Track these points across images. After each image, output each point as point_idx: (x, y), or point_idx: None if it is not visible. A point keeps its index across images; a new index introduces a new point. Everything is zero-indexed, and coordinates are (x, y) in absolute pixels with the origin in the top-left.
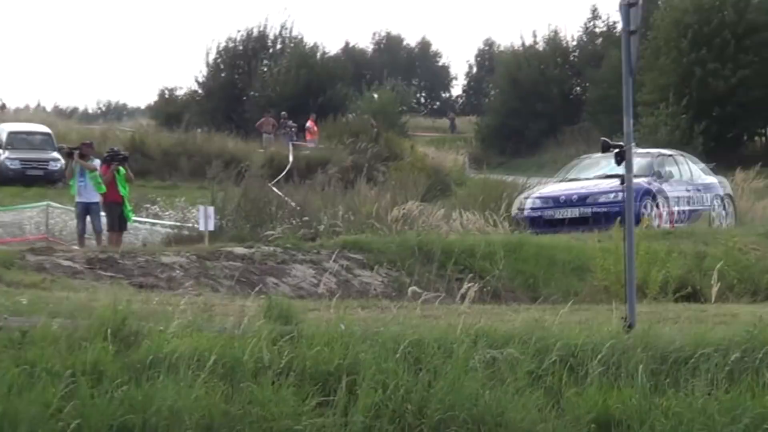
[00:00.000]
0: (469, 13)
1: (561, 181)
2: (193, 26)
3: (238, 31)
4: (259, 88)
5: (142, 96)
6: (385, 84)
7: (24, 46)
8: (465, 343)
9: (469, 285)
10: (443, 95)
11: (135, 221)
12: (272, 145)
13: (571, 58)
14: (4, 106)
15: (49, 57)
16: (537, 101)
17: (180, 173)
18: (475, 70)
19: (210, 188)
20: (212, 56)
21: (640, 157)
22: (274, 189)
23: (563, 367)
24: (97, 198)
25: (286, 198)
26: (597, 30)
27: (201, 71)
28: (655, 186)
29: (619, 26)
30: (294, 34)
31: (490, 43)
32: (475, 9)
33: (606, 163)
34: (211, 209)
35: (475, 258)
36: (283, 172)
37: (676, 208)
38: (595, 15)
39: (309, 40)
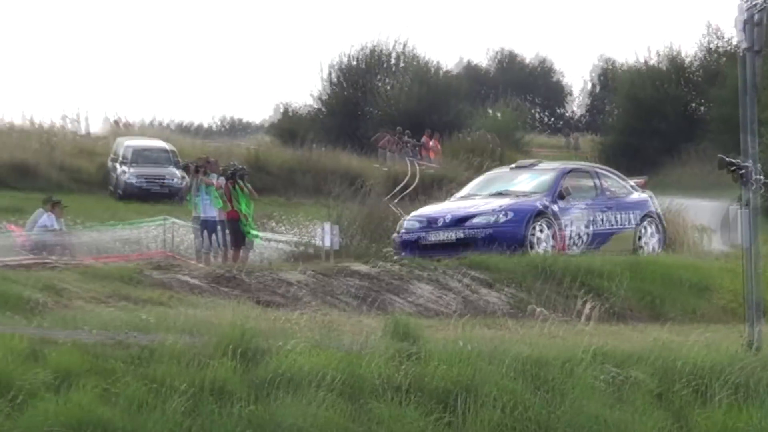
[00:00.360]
0: (584, 28)
1: (454, 199)
2: (306, 42)
3: (352, 46)
4: (377, 104)
5: (257, 112)
6: (505, 101)
7: (144, 62)
8: (586, 363)
9: (591, 304)
10: (558, 111)
11: (254, 237)
12: (390, 163)
13: (691, 77)
14: (127, 124)
15: (169, 73)
16: (657, 120)
17: (298, 190)
18: (589, 86)
19: (329, 205)
20: (332, 73)
21: (542, 174)
22: (394, 206)
23: (688, 388)
24: (216, 214)
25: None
26: (716, 48)
27: (320, 88)
28: (550, 206)
29: (738, 42)
30: (411, 50)
31: (607, 60)
32: (589, 24)
33: (509, 179)
34: (335, 227)
35: (595, 277)
36: (408, 189)
37: (568, 230)
38: (713, 32)
39: (426, 57)
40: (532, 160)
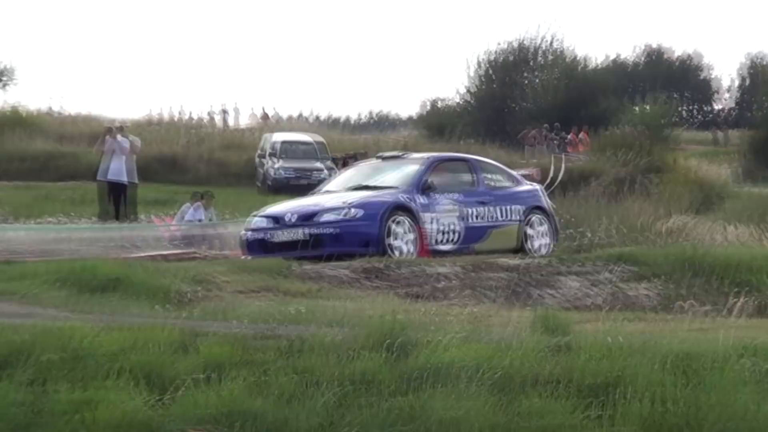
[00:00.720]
0: (732, 23)
1: (317, 193)
2: (450, 37)
3: (498, 44)
4: (525, 99)
5: (404, 106)
6: (652, 97)
7: (294, 57)
8: (736, 356)
9: (743, 299)
10: (705, 107)
11: None
12: (534, 157)
13: None
14: (276, 118)
15: (317, 68)
16: None
17: None
18: (737, 81)
19: None
20: (481, 67)
21: (408, 165)
22: None
23: None
24: None
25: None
26: None
27: (467, 82)
28: (413, 200)
29: None
30: (559, 45)
31: (756, 55)
32: (737, 18)
33: (374, 172)
34: None
35: (745, 270)
36: (555, 184)
37: (434, 226)
38: None
39: (573, 52)
40: (399, 152)
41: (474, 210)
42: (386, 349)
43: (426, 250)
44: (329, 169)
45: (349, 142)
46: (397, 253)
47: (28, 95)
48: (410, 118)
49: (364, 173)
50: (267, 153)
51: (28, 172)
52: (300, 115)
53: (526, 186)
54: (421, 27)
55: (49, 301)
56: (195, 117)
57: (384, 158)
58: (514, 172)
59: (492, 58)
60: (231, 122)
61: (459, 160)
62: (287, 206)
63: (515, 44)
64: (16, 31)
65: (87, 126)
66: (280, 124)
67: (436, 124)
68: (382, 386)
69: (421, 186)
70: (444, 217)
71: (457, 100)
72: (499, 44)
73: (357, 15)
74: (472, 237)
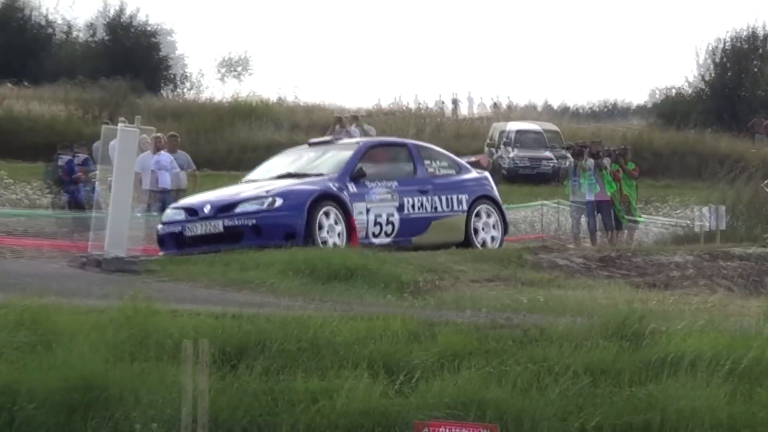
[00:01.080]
0: None
1: (241, 183)
2: (675, 24)
3: (727, 32)
4: (756, 87)
5: (632, 95)
6: None
7: (521, 45)
8: None
9: None
10: None
11: (631, 220)
12: (765, 146)
13: None
14: (510, 106)
15: (548, 56)
16: None
17: (676, 172)
18: None
19: (710, 187)
20: (715, 54)
21: (340, 151)
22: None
23: None
24: (591, 197)
25: None
26: None
27: (702, 70)
28: (343, 189)
29: None
30: None
31: None
32: None
33: (303, 159)
34: (722, 208)
35: None
36: None
37: (366, 217)
38: None
39: None
40: (330, 137)
41: (413, 200)
42: (623, 338)
43: (356, 242)
44: (560, 158)
45: (579, 130)
46: (330, 244)
47: (263, 85)
48: (639, 107)
49: (290, 160)
50: (501, 142)
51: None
52: (529, 104)
53: (473, 174)
54: (646, 14)
55: (284, 291)
56: (426, 106)
57: (312, 144)
58: (459, 159)
59: (723, 46)
60: (465, 111)
61: (396, 145)
62: (204, 197)
63: (746, 32)
64: (250, 22)
65: (321, 115)
66: (512, 113)
67: (669, 112)
68: (621, 376)
69: (352, 174)
70: (379, 207)
71: (688, 90)
72: (727, 32)
73: (584, 3)
74: (410, 229)
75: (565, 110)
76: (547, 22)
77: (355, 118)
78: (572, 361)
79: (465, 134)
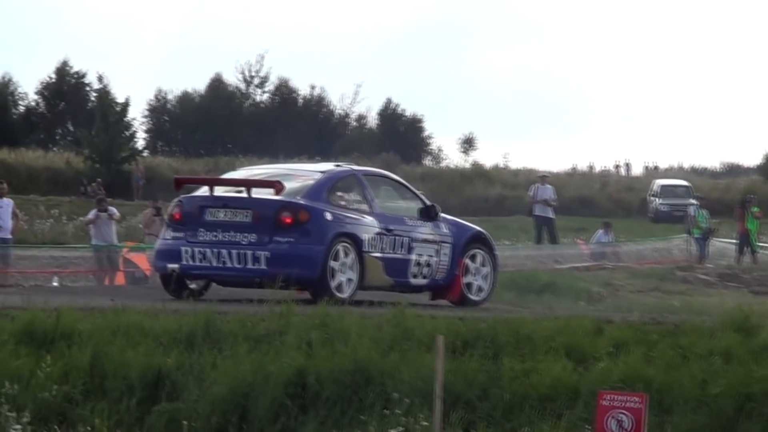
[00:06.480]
0: None
1: None
2: None
3: None
4: None
5: (747, 156)
6: None
7: (668, 116)
8: None
9: None
10: None
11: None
12: None
13: None
14: (656, 167)
15: (685, 125)
16: None
17: None
18: None
19: None
20: None
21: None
22: None
23: None
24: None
25: None
26: None
27: None
28: None
29: None
30: None
31: None
32: None
33: None
34: None
35: None
36: None
37: None
38: None
39: None
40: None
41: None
42: (741, 331)
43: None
44: (691, 205)
45: (708, 185)
46: None
47: (485, 154)
48: (758, 166)
49: None
50: (652, 193)
51: (489, 209)
52: (668, 167)
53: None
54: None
55: (501, 300)
56: (601, 167)
57: None
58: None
59: None
60: (631, 172)
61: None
62: None
63: None
64: (476, 102)
65: (526, 176)
66: (661, 173)
67: None
68: (737, 358)
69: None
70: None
71: None
72: None
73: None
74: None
75: (695, 169)
76: (675, 96)
77: (544, 177)
78: (703, 347)
79: (630, 188)
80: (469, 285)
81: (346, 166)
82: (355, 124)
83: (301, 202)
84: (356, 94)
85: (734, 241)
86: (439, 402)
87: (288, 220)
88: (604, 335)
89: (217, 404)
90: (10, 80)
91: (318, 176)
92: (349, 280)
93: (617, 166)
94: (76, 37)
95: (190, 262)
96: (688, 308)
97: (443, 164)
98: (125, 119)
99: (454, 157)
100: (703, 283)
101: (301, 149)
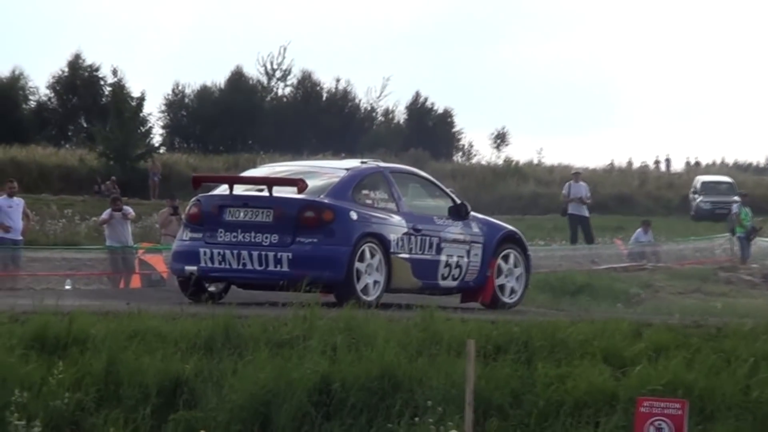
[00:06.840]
0: None
1: None
2: None
3: None
4: None
5: None
6: None
7: (703, 113)
8: None
9: None
10: None
11: None
12: None
13: None
14: (698, 163)
15: (726, 120)
16: None
17: None
18: None
19: None
20: None
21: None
22: None
23: None
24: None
25: None
26: None
27: None
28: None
29: None
30: None
31: None
32: None
33: None
34: None
35: None
36: None
37: None
38: None
39: None
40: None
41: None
42: None
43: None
44: (735, 202)
45: (752, 182)
46: None
47: (518, 150)
48: None
49: None
50: (694, 191)
51: (523, 207)
52: (710, 162)
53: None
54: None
55: (534, 302)
56: (640, 163)
57: None
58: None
59: None
60: (671, 168)
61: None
62: None
63: None
64: (509, 95)
65: (561, 173)
66: (708, 169)
67: None
68: None
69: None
70: None
71: None
72: None
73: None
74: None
75: (739, 165)
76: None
77: (577, 174)
78: (746, 350)
79: (670, 185)
80: (501, 287)
81: (372, 163)
82: (382, 118)
83: (325, 201)
84: (384, 87)
85: None
86: (470, 409)
87: (311, 220)
88: (643, 339)
89: (236, 412)
90: (20, 74)
91: (343, 174)
92: (376, 282)
93: (657, 162)
94: (90, 29)
95: (209, 264)
96: (731, 310)
97: (474, 160)
98: (141, 114)
99: (485, 153)
100: (746, 284)
101: (325, 145)
